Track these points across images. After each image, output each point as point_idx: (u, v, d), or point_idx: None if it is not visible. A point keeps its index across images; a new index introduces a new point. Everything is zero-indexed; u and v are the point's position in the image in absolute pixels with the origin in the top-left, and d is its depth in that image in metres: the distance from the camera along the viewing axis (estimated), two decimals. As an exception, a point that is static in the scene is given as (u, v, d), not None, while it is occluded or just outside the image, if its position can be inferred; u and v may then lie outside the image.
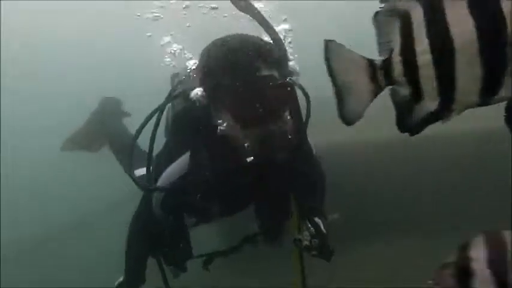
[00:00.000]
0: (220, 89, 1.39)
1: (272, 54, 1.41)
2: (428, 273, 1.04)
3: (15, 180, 5.00)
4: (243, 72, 1.36)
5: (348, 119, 0.86)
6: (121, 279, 1.86)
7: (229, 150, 1.43)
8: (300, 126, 1.54)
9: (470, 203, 2.52)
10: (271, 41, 1.50)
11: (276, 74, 1.40)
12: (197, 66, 1.53)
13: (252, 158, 1.40)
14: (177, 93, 1.62)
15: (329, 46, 0.83)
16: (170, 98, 1.65)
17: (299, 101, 1.52)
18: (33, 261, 4.14)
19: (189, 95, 1.51)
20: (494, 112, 0.80)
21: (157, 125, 1.60)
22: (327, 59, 0.84)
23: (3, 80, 5.15)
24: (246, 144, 1.40)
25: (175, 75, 1.94)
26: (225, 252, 1.80)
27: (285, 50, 1.51)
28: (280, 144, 1.40)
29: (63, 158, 3.24)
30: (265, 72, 1.37)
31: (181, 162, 1.58)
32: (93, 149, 2.65)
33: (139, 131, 1.61)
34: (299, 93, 1.53)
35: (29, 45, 5.57)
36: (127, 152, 1.68)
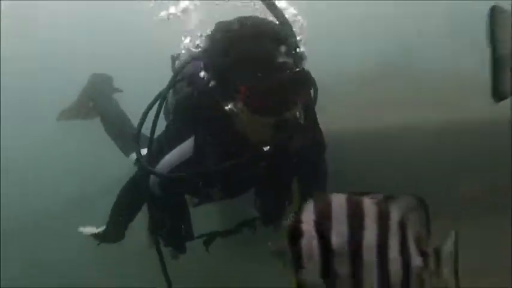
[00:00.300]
0: (234, 77, 1.33)
1: (288, 40, 1.37)
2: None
3: (15, 155, 5.02)
4: (260, 60, 1.31)
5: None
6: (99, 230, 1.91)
7: (239, 139, 1.42)
8: (314, 115, 1.54)
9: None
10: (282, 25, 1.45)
11: (290, 60, 1.35)
12: (204, 49, 1.46)
13: (266, 148, 1.38)
14: (181, 78, 1.60)
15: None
16: (173, 83, 1.61)
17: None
18: (33, 238, 4.20)
19: (193, 79, 1.49)
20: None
21: (159, 111, 1.59)
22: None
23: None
24: (258, 134, 1.39)
25: (175, 57, 1.91)
26: (224, 234, 1.80)
27: (295, 36, 1.47)
28: (296, 135, 1.40)
29: (64, 133, 3.33)
30: (281, 59, 1.32)
31: (185, 147, 1.55)
32: (88, 117, 2.74)
33: (143, 119, 1.59)
34: None
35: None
36: (130, 139, 1.70)
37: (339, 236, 0.88)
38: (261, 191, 1.80)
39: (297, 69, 1.36)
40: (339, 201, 0.90)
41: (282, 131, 1.36)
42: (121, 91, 2.74)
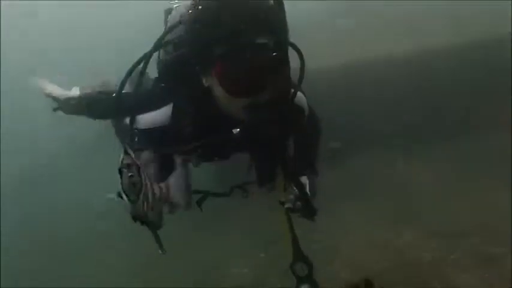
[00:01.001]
0: (208, 52, 1.29)
1: (270, 18, 1.29)
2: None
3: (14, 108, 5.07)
4: (234, 38, 1.24)
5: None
6: None
7: (216, 113, 1.40)
8: (289, 97, 1.50)
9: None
10: None
11: (271, 41, 1.28)
12: (186, 17, 1.39)
13: (235, 130, 1.39)
14: (167, 41, 1.55)
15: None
16: (159, 45, 1.55)
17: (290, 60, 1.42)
18: (33, 190, 4.34)
19: (179, 43, 1.45)
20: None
21: (143, 73, 1.54)
22: None
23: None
24: (232, 112, 1.37)
25: (168, 11, 1.87)
26: (217, 195, 1.79)
27: (284, 10, 1.37)
28: (268, 116, 1.35)
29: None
30: (260, 40, 1.26)
31: (163, 114, 1.52)
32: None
33: (126, 77, 1.55)
34: (292, 52, 1.43)
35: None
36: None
37: None
38: (254, 154, 1.78)
39: (274, 53, 1.28)
40: None
41: (254, 113, 1.34)
42: None
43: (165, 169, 1.62)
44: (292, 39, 1.38)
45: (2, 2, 5.06)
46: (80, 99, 1.98)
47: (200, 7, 1.30)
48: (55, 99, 2.05)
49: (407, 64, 3.59)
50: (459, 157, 3.22)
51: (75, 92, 2.16)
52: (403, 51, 3.65)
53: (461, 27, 3.68)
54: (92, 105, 1.92)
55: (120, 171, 1.09)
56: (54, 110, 2.10)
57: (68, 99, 2.02)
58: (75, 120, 2.15)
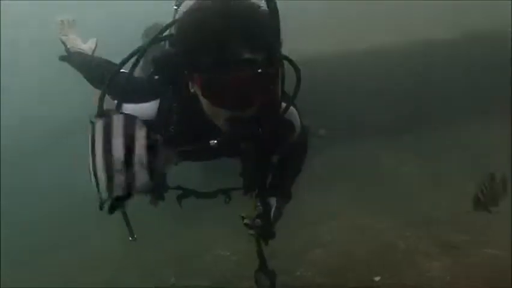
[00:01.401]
0: (193, 61, 1.25)
1: (260, 32, 1.21)
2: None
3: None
4: (219, 51, 1.19)
5: None
6: None
7: (200, 118, 1.38)
8: (276, 114, 1.45)
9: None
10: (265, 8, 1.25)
11: (260, 56, 1.22)
12: (177, 23, 1.37)
13: (212, 142, 1.36)
14: (163, 37, 1.54)
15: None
16: (155, 40, 1.54)
17: (286, 75, 1.41)
18: (32, 164, 4.46)
19: (172, 43, 1.42)
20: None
21: (136, 64, 1.53)
22: None
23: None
24: (215, 120, 1.35)
25: (148, 30, 1.92)
26: (199, 195, 1.78)
27: (279, 22, 1.26)
28: (249, 131, 1.32)
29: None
30: (246, 55, 1.20)
31: (149, 109, 1.50)
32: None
33: (119, 68, 1.55)
34: (288, 66, 1.42)
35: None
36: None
37: None
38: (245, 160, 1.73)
39: (260, 70, 1.22)
40: None
41: (236, 127, 1.31)
42: None
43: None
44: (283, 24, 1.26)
45: (2, 1, 5.07)
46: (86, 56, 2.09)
47: (191, 15, 1.27)
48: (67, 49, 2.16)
49: (403, 56, 3.69)
50: (445, 148, 3.37)
51: (91, 44, 2.37)
52: (403, 42, 3.73)
53: (461, 19, 3.75)
54: (91, 70, 1.98)
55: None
56: (61, 58, 2.20)
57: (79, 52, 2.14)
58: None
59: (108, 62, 1.86)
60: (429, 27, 3.79)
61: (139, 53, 1.51)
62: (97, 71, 1.87)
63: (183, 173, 1.80)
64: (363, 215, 2.93)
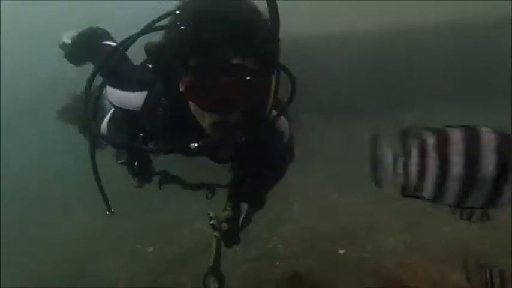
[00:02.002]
0: (182, 61, 1.22)
1: (255, 38, 1.16)
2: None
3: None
4: (208, 53, 1.15)
5: None
6: None
7: (186, 115, 1.35)
8: (262, 122, 1.44)
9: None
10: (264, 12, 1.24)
11: (251, 62, 1.18)
12: (171, 18, 1.32)
13: (193, 145, 1.34)
14: (156, 27, 1.49)
15: None
16: (148, 30, 1.50)
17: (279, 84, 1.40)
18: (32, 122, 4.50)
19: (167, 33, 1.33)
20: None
21: (123, 53, 1.54)
22: None
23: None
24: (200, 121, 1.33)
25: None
26: (184, 185, 1.76)
27: (278, 30, 1.27)
28: (232, 136, 1.32)
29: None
30: (235, 60, 1.16)
31: (136, 99, 1.49)
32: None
33: (108, 56, 1.55)
34: (283, 75, 1.40)
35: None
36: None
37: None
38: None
39: (248, 78, 1.19)
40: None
41: (219, 132, 1.30)
42: None
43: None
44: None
45: (2, 1, 4.99)
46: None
47: (185, 10, 1.23)
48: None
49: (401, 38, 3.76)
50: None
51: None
52: (405, 24, 3.77)
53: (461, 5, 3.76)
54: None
55: None
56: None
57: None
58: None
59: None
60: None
61: (130, 40, 1.51)
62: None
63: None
64: (333, 193, 3.10)
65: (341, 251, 2.48)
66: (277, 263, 2.48)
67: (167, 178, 1.72)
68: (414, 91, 3.75)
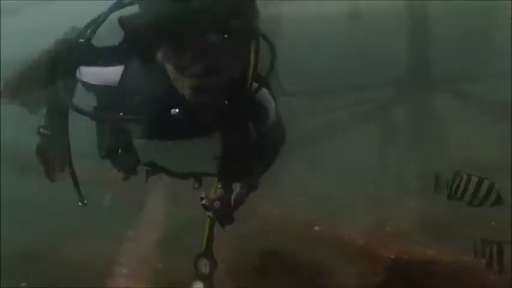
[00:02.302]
0: (160, 24, 1.19)
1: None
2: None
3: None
4: (186, 15, 1.14)
5: None
6: None
7: (164, 86, 1.33)
8: (245, 90, 1.42)
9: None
10: None
11: (230, 23, 1.17)
12: None
13: (174, 111, 1.33)
14: (127, 2, 1.47)
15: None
16: (120, 4, 1.48)
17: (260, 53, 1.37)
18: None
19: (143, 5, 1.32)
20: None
21: (97, 26, 1.52)
22: None
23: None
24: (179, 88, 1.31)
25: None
26: (171, 174, 1.73)
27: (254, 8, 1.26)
28: (214, 100, 1.31)
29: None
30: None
31: (113, 74, 1.46)
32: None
33: (83, 32, 1.53)
34: (263, 44, 1.39)
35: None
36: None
37: None
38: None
39: (226, 36, 1.18)
40: None
41: (199, 95, 1.29)
42: None
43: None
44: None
45: (2, 1, 4.72)
46: None
47: None
48: None
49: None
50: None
51: None
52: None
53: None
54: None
55: None
56: None
57: None
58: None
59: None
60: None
61: (102, 17, 1.51)
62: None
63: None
64: (311, 173, 3.23)
65: (316, 228, 2.60)
66: (252, 240, 2.54)
67: (154, 169, 1.69)
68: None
